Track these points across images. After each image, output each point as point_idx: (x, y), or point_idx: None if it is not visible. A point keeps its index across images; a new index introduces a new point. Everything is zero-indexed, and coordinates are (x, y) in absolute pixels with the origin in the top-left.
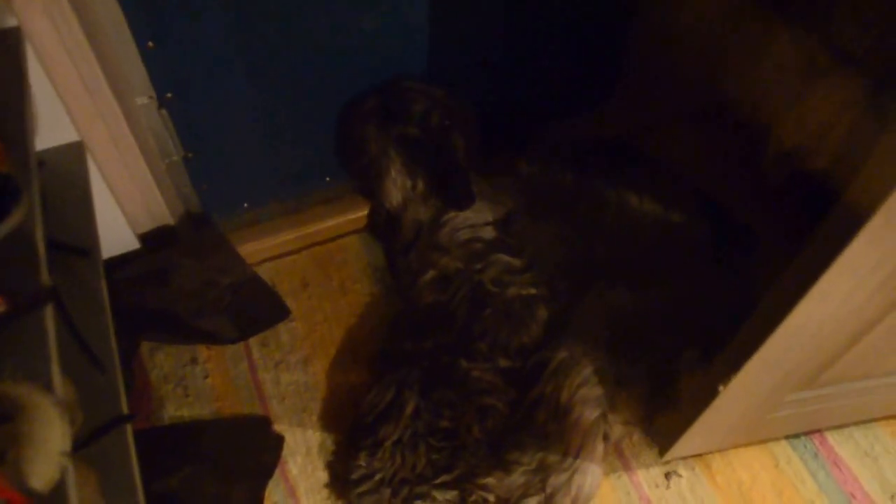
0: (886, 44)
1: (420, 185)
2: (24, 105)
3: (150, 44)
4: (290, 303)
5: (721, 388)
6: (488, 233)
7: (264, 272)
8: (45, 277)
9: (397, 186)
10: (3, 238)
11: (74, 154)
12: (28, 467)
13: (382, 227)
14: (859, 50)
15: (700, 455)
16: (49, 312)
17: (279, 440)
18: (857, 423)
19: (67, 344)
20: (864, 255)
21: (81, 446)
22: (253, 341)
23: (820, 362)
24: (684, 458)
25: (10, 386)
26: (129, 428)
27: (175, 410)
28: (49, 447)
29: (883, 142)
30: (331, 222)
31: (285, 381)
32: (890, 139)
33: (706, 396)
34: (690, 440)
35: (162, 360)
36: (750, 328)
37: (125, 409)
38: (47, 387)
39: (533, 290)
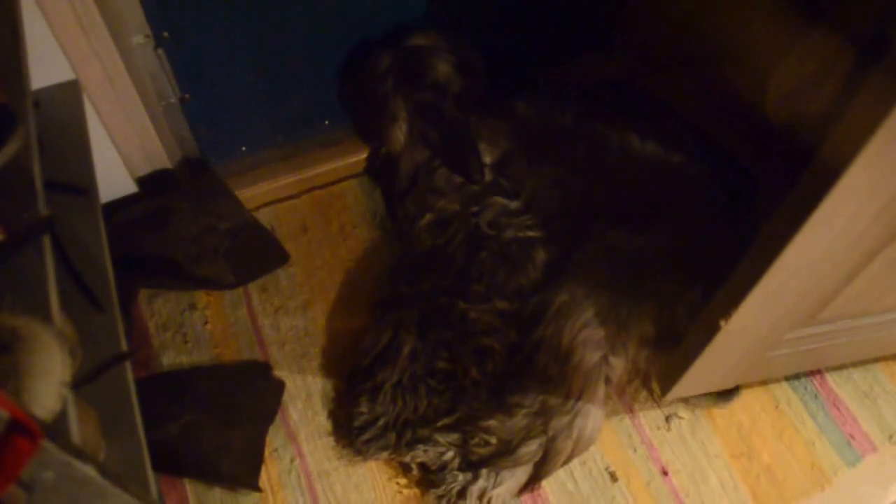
0: None
1: (418, 128)
2: (18, 40)
3: None
4: (289, 248)
5: (722, 323)
6: (485, 174)
7: (263, 217)
8: (42, 208)
9: (403, 132)
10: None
11: (70, 93)
12: (29, 397)
13: (380, 170)
14: None
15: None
16: (47, 244)
17: (279, 386)
18: (856, 364)
19: (66, 284)
20: (862, 180)
21: (81, 384)
22: (252, 286)
23: (819, 297)
24: (685, 399)
25: (8, 317)
26: (128, 368)
27: (174, 357)
28: (49, 378)
29: (879, 67)
30: (330, 166)
31: (285, 327)
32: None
33: (707, 333)
34: (692, 380)
35: (160, 306)
36: (750, 261)
37: (125, 349)
38: (46, 318)
39: (531, 233)
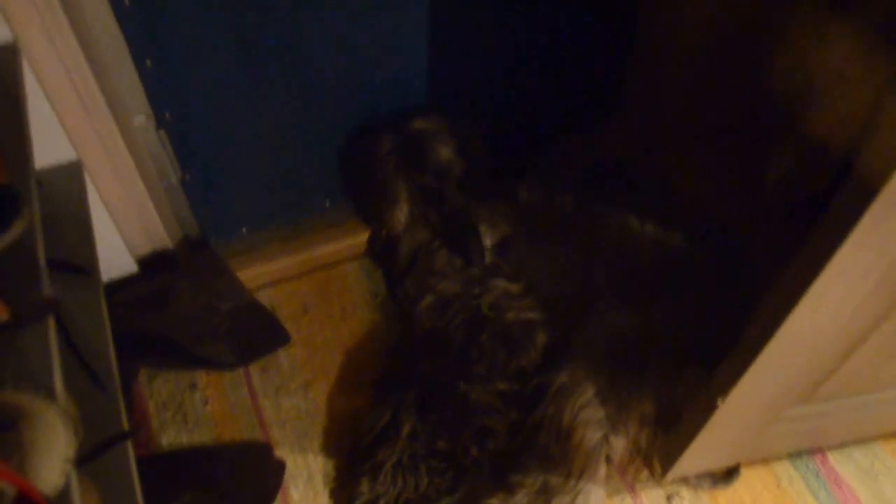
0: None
1: (419, 210)
2: (22, 121)
3: (149, 62)
4: (290, 328)
5: (720, 401)
6: (486, 257)
7: (264, 297)
8: (46, 289)
9: (404, 214)
10: (4, 250)
11: (72, 173)
12: (33, 473)
13: (381, 251)
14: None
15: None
16: (51, 323)
17: (280, 466)
18: (856, 442)
19: (68, 363)
20: (853, 260)
21: (83, 461)
22: (253, 367)
23: (816, 375)
24: (686, 478)
25: (13, 394)
26: (130, 446)
27: (174, 437)
28: (53, 454)
29: (871, 143)
30: (331, 247)
31: (286, 407)
32: (879, 139)
33: (706, 411)
34: (692, 458)
35: (160, 386)
36: (745, 341)
37: (126, 428)
38: (50, 396)
39: (531, 315)
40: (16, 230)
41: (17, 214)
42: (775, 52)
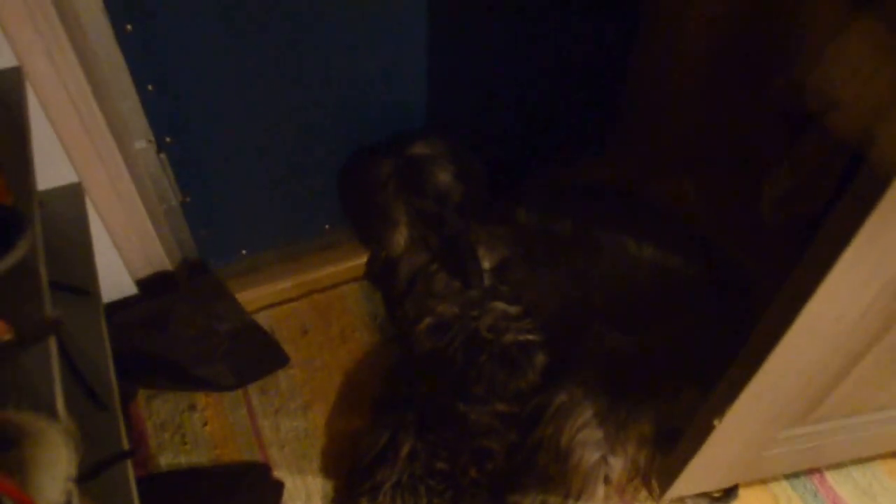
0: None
1: (418, 233)
2: (25, 143)
3: (150, 87)
4: (289, 350)
5: (716, 422)
6: (484, 280)
7: (263, 319)
8: (48, 309)
9: (403, 237)
10: (8, 270)
11: (73, 195)
12: (34, 490)
13: (380, 274)
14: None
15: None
16: (53, 343)
17: (279, 487)
18: (853, 462)
19: (68, 382)
20: (847, 278)
21: (83, 480)
22: (252, 388)
23: (810, 397)
24: (683, 499)
25: (15, 413)
26: (130, 466)
27: (173, 458)
28: (54, 471)
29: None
30: (330, 270)
31: (285, 428)
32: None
33: (702, 432)
34: (690, 478)
35: (159, 406)
36: (741, 362)
37: (126, 447)
38: (52, 415)
39: (530, 337)
40: (19, 251)
41: (21, 235)
42: (788, 53)
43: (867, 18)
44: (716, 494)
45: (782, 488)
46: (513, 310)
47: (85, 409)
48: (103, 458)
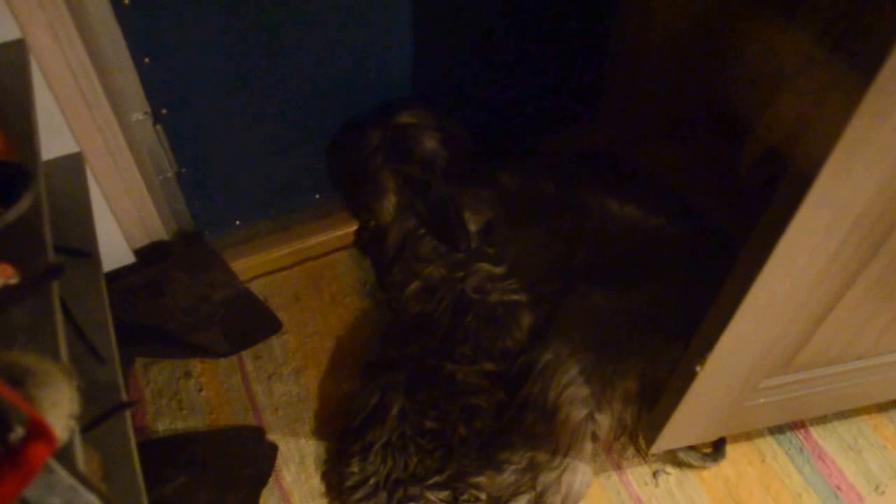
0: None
1: (406, 200)
2: (30, 111)
3: (147, 60)
4: (282, 316)
5: (698, 368)
6: (472, 242)
7: (257, 287)
8: (51, 257)
9: (392, 204)
10: (14, 221)
11: (74, 165)
12: None
13: (369, 241)
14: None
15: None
16: (55, 290)
17: (273, 449)
18: (838, 417)
19: (70, 338)
20: (814, 219)
21: (85, 430)
22: (246, 354)
23: (790, 342)
24: (673, 457)
25: (20, 355)
26: (129, 421)
27: (169, 423)
28: (58, 409)
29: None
30: (321, 238)
31: (278, 393)
32: (833, 103)
33: (685, 380)
34: (675, 430)
35: (156, 374)
36: (719, 305)
37: (125, 399)
38: (55, 357)
39: (515, 297)
40: (24, 202)
41: (26, 189)
42: (732, 53)
43: (793, 28)
44: (705, 451)
45: (768, 444)
46: (498, 270)
47: (86, 365)
48: (104, 409)
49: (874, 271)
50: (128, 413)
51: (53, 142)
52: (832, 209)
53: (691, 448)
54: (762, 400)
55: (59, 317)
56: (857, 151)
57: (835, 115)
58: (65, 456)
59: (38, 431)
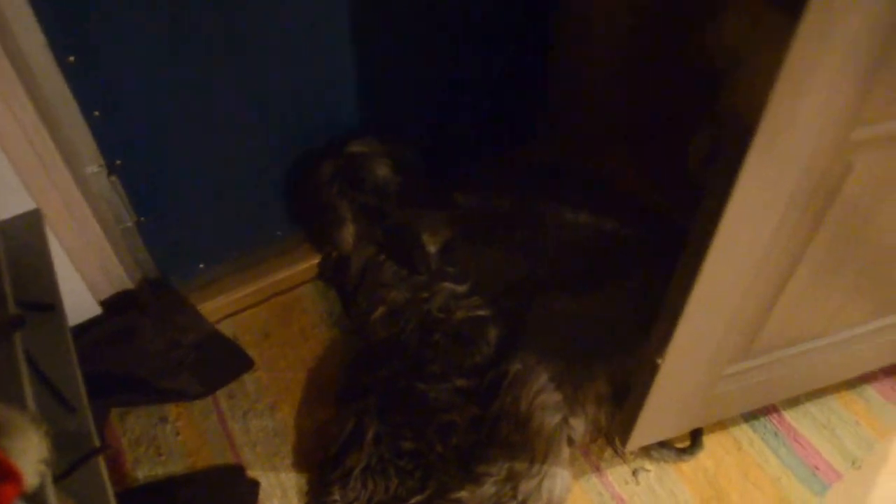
0: None
1: (364, 228)
2: None
3: (97, 113)
4: (253, 353)
5: (659, 361)
6: (431, 264)
7: (226, 327)
8: (12, 310)
9: (351, 233)
10: None
11: (33, 221)
12: None
13: (332, 271)
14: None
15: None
16: (18, 340)
17: (254, 486)
18: (808, 395)
19: (37, 390)
20: (750, 200)
21: (58, 479)
22: (220, 394)
23: (745, 327)
24: (650, 454)
25: None
26: (103, 468)
27: (149, 470)
28: (27, 456)
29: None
30: (286, 273)
31: (255, 429)
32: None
33: (649, 374)
34: (645, 426)
35: (132, 422)
36: (671, 297)
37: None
38: (22, 406)
39: (480, 312)
40: None
41: None
42: (681, 34)
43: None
44: (681, 446)
45: (743, 431)
46: (461, 288)
47: (56, 416)
48: (77, 457)
49: (817, 253)
50: (102, 461)
51: (10, 200)
52: (765, 189)
53: (663, 445)
54: (729, 387)
55: (23, 367)
56: (780, 131)
57: (759, 100)
58: (37, 501)
59: (5, 473)
